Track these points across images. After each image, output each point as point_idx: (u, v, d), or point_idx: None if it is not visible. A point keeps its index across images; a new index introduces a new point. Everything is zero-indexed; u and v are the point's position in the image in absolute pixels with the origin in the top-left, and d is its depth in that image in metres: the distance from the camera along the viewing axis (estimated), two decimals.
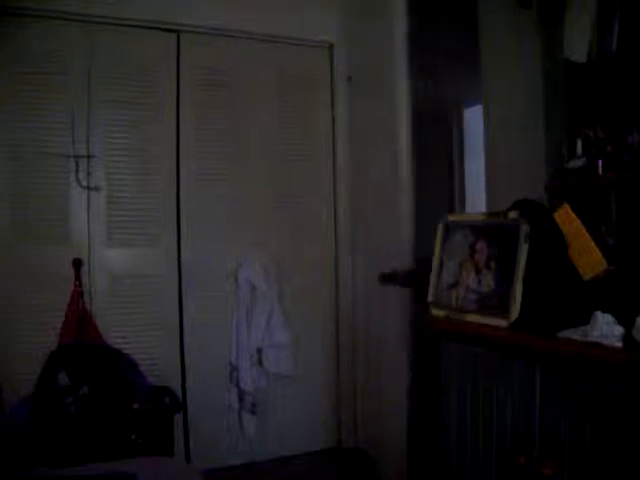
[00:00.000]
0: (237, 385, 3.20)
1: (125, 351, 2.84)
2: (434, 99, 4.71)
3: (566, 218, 1.65)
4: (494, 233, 1.72)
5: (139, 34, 3.10)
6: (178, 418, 3.00)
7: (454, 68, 4.09)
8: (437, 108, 4.84)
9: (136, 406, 2.67)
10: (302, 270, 3.39)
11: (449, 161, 4.93)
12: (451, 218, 1.90)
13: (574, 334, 1.39)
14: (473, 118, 4.63)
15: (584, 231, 1.62)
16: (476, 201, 4.21)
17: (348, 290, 3.45)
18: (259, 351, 3.23)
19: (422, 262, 4.13)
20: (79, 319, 2.86)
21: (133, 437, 2.59)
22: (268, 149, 3.35)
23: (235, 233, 3.27)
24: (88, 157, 2.98)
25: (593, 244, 1.60)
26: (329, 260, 3.50)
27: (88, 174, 2.99)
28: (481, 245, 1.75)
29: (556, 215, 1.68)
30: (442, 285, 1.83)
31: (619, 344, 1.29)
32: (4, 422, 2.73)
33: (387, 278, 2.35)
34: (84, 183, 2.98)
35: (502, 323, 1.59)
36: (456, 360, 1.78)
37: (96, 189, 3.00)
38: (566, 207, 1.67)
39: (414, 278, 2.29)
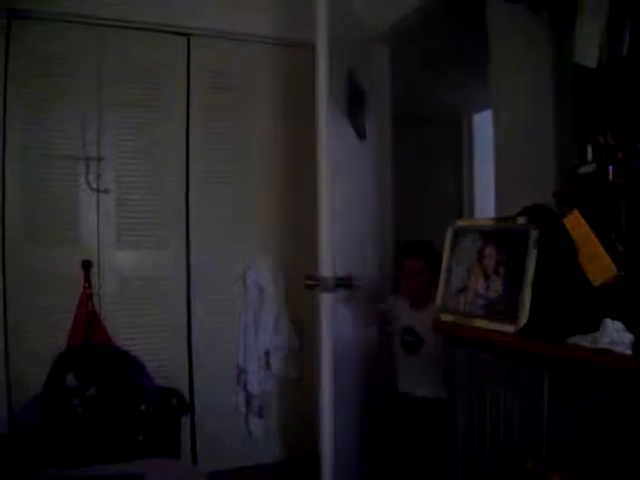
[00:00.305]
0: (244, 388, 3.20)
1: (133, 353, 2.85)
2: (442, 103, 4.71)
3: (576, 224, 1.64)
4: (503, 238, 1.72)
5: (150, 37, 3.12)
6: (185, 420, 3.00)
7: (464, 73, 4.09)
8: (446, 112, 4.85)
9: (143, 407, 2.67)
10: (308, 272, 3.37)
11: (458, 165, 4.94)
12: (460, 223, 1.90)
13: (583, 341, 1.38)
14: (483, 123, 4.64)
15: (593, 237, 1.61)
16: (485, 206, 4.21)
17: None
18: (267, 354, 3.23)
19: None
20: (88, 321, 2.88)
21: (140, 438, 2.60)
22: (272, 152, 3.36)
23: (242, 236, 3.28)
24: (98, 159, 2.99)
25: (603, 250, 1.59)
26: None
27: (98, 176, 3.00)
28: (490, 250, 1.75)
29: (566, 221, 1.67)
30: (450, 290, 1.82)
31: (629, 351, 1.28)
32: (13, 422, 2.75)
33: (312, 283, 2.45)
34: (94, 185, 2.99)
35: (510, 329, 1.58)
36: (464, 365, 1.77)
37: (106, 191, 3.02)
38: (576, 213, 1.66)
39: (336, 284, 2.35)
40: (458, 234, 1.88)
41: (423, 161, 4.70)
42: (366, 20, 3.33)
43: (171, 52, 3.18)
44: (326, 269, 2.35)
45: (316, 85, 2.53)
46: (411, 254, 2.71)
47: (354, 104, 2.99)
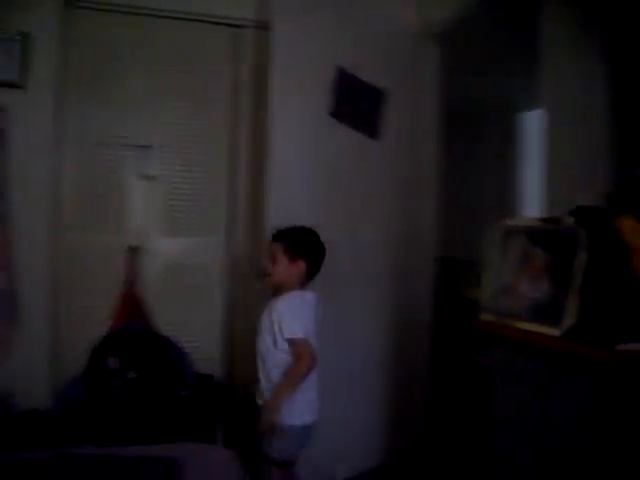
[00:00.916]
0: None
1: (174, 338, 2.89)
2: (490, 102, 4.64)
3: (630, 227, 1.60)
4: (551, 239, 1.68)
5: (200, 27, 3.14)
6: (221, 407, 3.02)
7: (512, 71, 4.02)
8: (493, 111, 4.78)
9: (182, 392, 2.71)
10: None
11: (504, 164, 4.87)
12: (506, 223, 1.87)
13: (634, 348, 1.35)
14: (531, 122, 4.56)
15: None
16: (532, 206, 4.14)
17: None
18: None
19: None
20: (131, 305, 2.93)
21: (177, 423, 2.63)
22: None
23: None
24: (147, 147, 3.04)
25: None
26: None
27: (147, 163, 3.05)
28: (537, 251, 1.72)
29: (619, 224, 1.63)
30: (495, 290, 1.80)
31: None
32: (56, 400, 2.81)
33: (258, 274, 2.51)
34: (142, 172, 3.04)
35: (555, 332, 1.55)
36: (505, 367, 1.75)
37: (154, 178, 3.06)
38: (630, 216, 1.62)
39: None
40: (505, 234, 1.85)
41: (469, 160, 4.65)
42: (408, 19, 3.30)
43: (220, 43, 3.20)
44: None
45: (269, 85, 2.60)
46: (272, 239, 2.41)
47: (352, 104, 2.99)
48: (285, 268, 2.31)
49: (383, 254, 3.21)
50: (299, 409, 2.25)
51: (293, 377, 2.22)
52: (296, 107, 2.81)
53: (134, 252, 3.00)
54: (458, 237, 3.79)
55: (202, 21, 3.13)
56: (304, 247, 2.34)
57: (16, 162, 2.78)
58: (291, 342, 2.23)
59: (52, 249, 2.89)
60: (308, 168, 2.87)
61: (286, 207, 2.78)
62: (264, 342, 2.32)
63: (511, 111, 4.91)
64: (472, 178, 4.62)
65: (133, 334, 2.83)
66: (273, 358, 2.29)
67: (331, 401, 2.96)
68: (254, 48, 3.19)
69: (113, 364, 2.75)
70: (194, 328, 3.11)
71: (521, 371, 1.69)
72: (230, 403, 3.17)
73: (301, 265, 2.31)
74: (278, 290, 2.36)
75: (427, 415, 3.36)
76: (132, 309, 2.92)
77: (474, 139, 4.72)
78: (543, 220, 1.77)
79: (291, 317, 2.25)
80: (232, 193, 3.21)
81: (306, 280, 2.35)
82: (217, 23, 3.17)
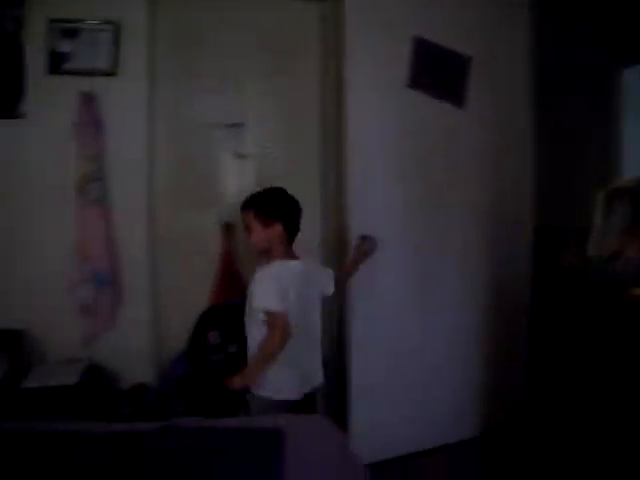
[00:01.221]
0: None
1: None
2: (588, 58, 4.40)
3: None
4: None
5: (284, 4, 3.15)
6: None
7: (611, 29, 3.79)
8: (592, 68, 4.52)
9: None
10: None
11: (605, 124, 4.61)
12: (612, 186, 1.78)
13: None
14: (633, 82, 4.28)
15: None
16: (636, 168, 3.90)
17: None
18: None
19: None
20: (229, 280, 3.00)
21: None
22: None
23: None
24: (239, 124, 3.10)
25: None
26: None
27: (239, 142, 3.12)
28: None
29: None
30: (601, 256, 1.72)
31: None
32: (162, 377, 2.93)
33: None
34: (236, 150, 3.11)
35: None
36: (616, 333, 1.68)
37: (246, 156, 3.13)
38: None
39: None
40: (608, 198, 1.77)
41: (567, 121, 4.44)
42: None
43: (305, 19, 3.19)
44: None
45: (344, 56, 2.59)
46: (241, 209, 2.32)
47: (433, 73, 2.89)
48: (261, 234, 2.25)
49: (473, 226, 3.14)
50: (274, 383, 2.23)
51: (264, 351, 2.20)
52: (373, 79, 2.77)
53: (229, 228, 3.07)
54: (558, 204, 3.62)
55: None
56: (275, 208, 2.26)
57: (113, 147, 2.90)
58: (266, 312, 2.18)
59: (150, 229, 3.01)
60: (388, 141, 2.85)
61: (365, 182, 2.77)
62: (248, 309, 2.30)
63: (609, 72, 4.64)
64: (571, 145, 4.41)
65: (233, 308, 2.89)
66: (251, 328, 2.29)
67: (428, 371, 2.98)
68: (337, 21, 3.16)
69: (214, 339, 2.83)
70: None
71: (633, 337, 1.62)
72: (326, 375, 3.20)
73: (277, 227, 2.24)
74: (265, 259, 2.30)
75: (526, 387, 3.28)
76: (230, 284, 2.98)
77: (572, 104, 4.50)
78: None
79: (265, 288, 2.18)
80: (323, 169, 3.22)
81: (288, 243, 2.29)
82: None
